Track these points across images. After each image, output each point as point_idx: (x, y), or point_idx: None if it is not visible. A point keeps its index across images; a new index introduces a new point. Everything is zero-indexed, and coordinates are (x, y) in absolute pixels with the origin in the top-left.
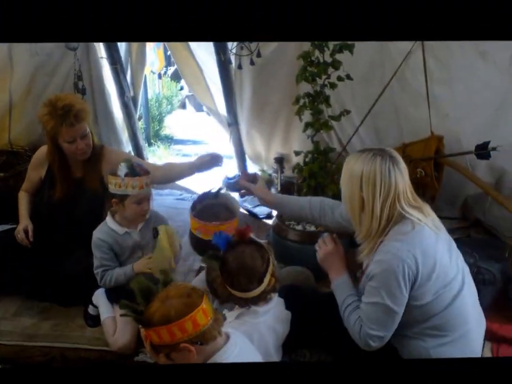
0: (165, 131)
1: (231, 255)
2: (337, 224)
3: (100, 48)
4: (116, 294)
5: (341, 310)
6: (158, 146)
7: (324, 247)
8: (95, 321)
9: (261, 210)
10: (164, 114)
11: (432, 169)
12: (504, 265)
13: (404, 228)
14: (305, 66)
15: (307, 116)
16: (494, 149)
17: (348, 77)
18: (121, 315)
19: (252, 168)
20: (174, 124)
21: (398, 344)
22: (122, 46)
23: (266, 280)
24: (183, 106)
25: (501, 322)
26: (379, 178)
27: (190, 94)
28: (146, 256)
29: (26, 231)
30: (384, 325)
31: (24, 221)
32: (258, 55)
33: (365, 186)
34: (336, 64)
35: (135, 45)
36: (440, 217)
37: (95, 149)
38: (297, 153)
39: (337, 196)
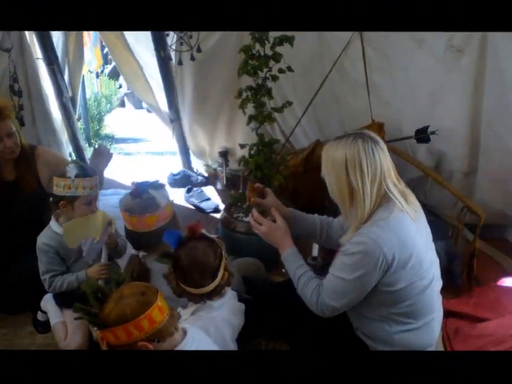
0: (105, 130)
1: (183, 252)
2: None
3: (36, 49)
4: (65, 299)
5: (294, 280)
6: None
7: (261, 228)
8: (45, 327)
9: (208, 205)
10: (103, 114)
11: None
12: (448, 244)
13: (386, 213)
14: (247, 59)
15: (250, 109)
16: (433, 133)
17: (289, 69)
18: (75, 318)
19: (196, 163)
20: (113, 122)
21: (361, 324)
22: (59, 46)
23: (220, 274)
24: (122, 104)
25: (447, 297)
26: (364, 160)
27: (129, 91)
28: (99, 263)
29: None
30: (343, 298)
31: None
32: (199, 50)
33: (351, 171)
34: (276, 57)
35: (72, 44)
36: None
37: (25, 149)
38: (242, 146)
39: (283, 186)
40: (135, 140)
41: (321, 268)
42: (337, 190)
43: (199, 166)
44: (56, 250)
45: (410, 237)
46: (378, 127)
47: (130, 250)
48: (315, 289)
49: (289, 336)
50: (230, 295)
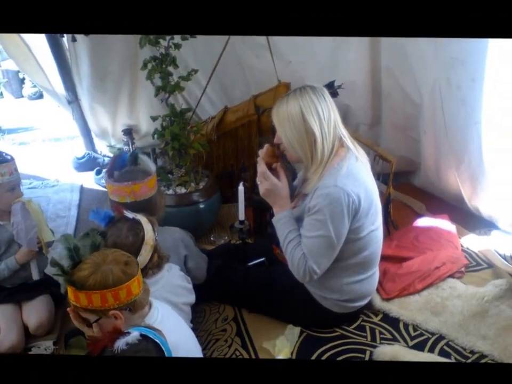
0: None
1: (109, 231)
2: None
3: None
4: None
5: (283, 244)
6: None
7: (265, 183)
8: None
9: None
10: None
11: None
12: None
13: (343, 162)
14: None
15: (156, 80)
16: (339, 86)
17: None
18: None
19: (100, 144)
20: None
21: None
22: None
23: (141, 257)
24: None
25: None
26: (319, 105)
27: (5, 80)
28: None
29: None
30: (326, 256)
31: None
32: None
33: (309, 117)
34: None
35: None
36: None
37: None
38: (154, 119)
39: (197, 155)
40: (26, 129)
41: (247, 231)
42: (298, 141)
43: (102, 147)
44: None
45: (370, 185)
46: (286, 87)
47: None
48: (302, 255)
49: (232, 300)
50: (166, 274)
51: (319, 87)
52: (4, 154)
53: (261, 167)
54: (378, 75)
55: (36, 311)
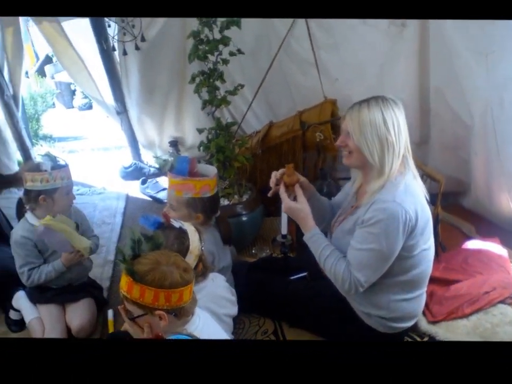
0: (43, 130)
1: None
2: None
3: None
4: (39, 294)
5: (320, 261)
6: (41, 146)
7: (282, 205)
8: (18, 325)
9: (165, 195)
10: (40, 113)
11: (330, 132)
12: None
13: (400, 178)
14: (196, 44)
15: (203, 94)
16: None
17: (239, 51)
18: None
19: (146, 155)
20: (49, 122)
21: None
22: None
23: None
24: (52, 105)
25: None
26: (400, 117)
27: (57, 92)
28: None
29: None
30: (375, 270)
31: None
32: (143, 39)
33: (390, 127)
34: (225, 40)
35: (9, 40)
36: (339, 178)
37: None
38: (200, 131)
39: (241, 169)
40: (75, 138)
41: (290, 245)
42: (374, 148)
43: (148, 157)
44: (34, 243)
45: (425, 202)
46: (331, 104)
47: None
48: (346, 267)
49: (272, 314)
50: (210, 283)
51: (397, 100)
52: (60, 159)
53: (280, 189)
54: (426, 94)
55: (79, 314)
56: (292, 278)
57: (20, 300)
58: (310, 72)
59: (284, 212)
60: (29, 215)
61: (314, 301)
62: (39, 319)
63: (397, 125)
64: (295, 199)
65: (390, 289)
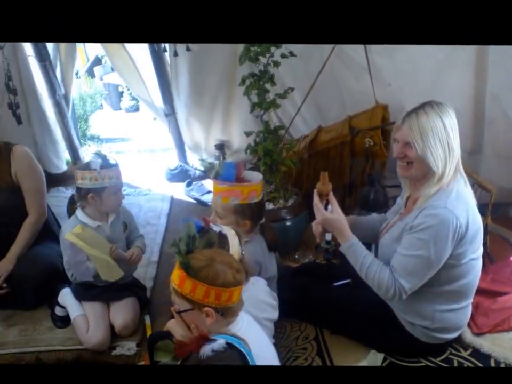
0: (91, 131)
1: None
2: None
3: (28, 46)
4: (84, 292)
5: (362, 271)
6: (89, 146)
7: (316, 215)
8: (64, 321)
9: (209, 198)
10: (89, 114)
11: (380, 138)
12: None
13: (452, 185)
14: (248, 46)
15: (252, 97)
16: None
17: (291, 53)
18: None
19: (192, 157)
20: (96, 123)
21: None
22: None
23: None
24: (99, 106)
25: None
26: (456, 123)
27: (106, 93)
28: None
29: None
30: (420, 277)
31: None
32: None
33: (450, 132)
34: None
35: None
36: (386, 186)
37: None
38: (248, 134)
39: (287, 173)
40: (122, 139)
41: (333, 251)
42: (437, 154)
43: (194, 160)
44: None
45: (476, 210)
46: (383, 109)
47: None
48: (389, 274)
49: (314, 320)
50: (251, 287)
51: (450, 105)
52: (110, 158)
53: (314, 198)
54: (482, 101)
55: (122, 312)
56: (335, 284)
57: (66, 296)
58: (363, 76)
59: (318, 223)
60: (79, 213)
61: (357, 308)
62: (84, 316)
63: (455, 128)
64: (326, 206)
65: (436, 299)
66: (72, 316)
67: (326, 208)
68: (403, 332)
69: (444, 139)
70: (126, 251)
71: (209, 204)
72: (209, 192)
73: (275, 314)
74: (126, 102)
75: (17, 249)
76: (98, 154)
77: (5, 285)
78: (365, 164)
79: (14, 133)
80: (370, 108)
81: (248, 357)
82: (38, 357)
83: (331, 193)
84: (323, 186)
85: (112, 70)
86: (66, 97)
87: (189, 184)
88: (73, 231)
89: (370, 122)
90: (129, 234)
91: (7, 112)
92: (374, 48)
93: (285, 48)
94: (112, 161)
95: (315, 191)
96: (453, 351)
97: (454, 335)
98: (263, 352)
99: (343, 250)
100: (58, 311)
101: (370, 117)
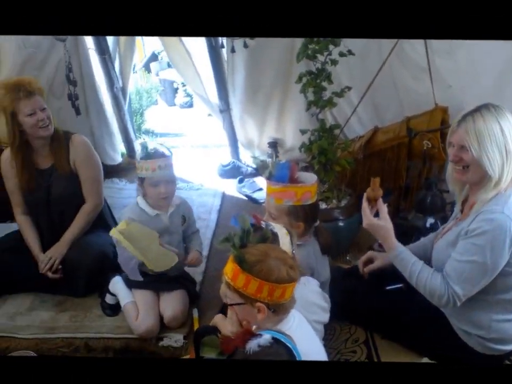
0: (146, 125)
1: None
2: None
3: (89, 39)
4: (135, 280)
5: (412, 278)
6: (144, 139)
7: (363, 220)
8: (113, 310)
9: (261, 195)
10: (144, 108)
11: (439, 141)
12: None
13: (509, 190)
14: (306, 43)
15: (308, 95)
16: None
17: (350, 52)
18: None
19: (244, 154)
20: (150, 118)
21: (458, 307)
22: (110, 36)
23: None
24: (154, 102)
25: None
26: None
27: (161, 89)
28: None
29: (50, 266)
30: (475, 284)
31: (41, 258)
32: (252, 37)
33: (508, 137)
34: (336, 41)
35: None
36: (444, 190)
37: (59, 133)
38: (303, 132)
39: (341, 173)
40: (176, 135)
41: None
42: (495, 159)
43: (246, 157)
44: None
45: None
46: (442, 111)
47: None
48: (442, 280)
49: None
50: (301, 287)
51: (508, 109)
52: (155, 151)
53: (363, 203)
54: None
55: (173, 304)
56: (388, 288)
57: (116, 284)
58: (422, 77)
59: (364, 226)
60: (140, 200)
61: (410, 314)
62: (134, 304)
63: None
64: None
65: (492, 307)
66: (122, 303)
67: (376, 214)
68: (457, 341)
69: (501, 143)
70: (181, 244)
71: (261, 201)
72: (260, 189)
73: (325, 317)
74: (180, 98)
75: (72, 234)
76: (143, 145)
77: (60, 267)
78: (422, 166)
79: (72, 123)
80: (429, 110)
81: (295, 352)
82: (87, 343)
83: (380, 199)
84: (372, 192)
85: (168, 66)
86: (123, 90)
87: (241, 181)
88: (118, 227)
89: (429, 124)
90: (186, 228)
91: (66, 103)
92: (435, 48)
93: (344, 46)
94: (154, 154)
95: (364, 195)
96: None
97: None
98: (312, 353)
99: (391, 259)
100: (108, 299)
101: (429, 119)
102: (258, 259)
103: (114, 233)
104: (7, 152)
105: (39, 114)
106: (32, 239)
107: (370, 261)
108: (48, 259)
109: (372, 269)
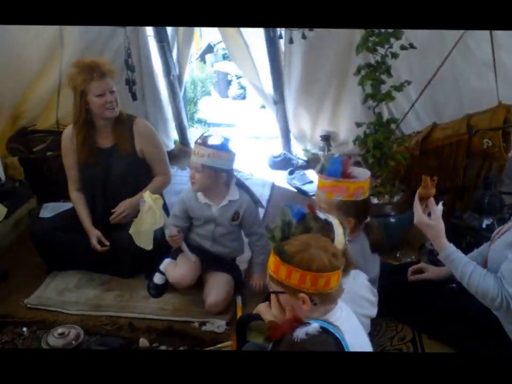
0: (199, 115)
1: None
2: None
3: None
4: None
5: (463, 279)
6: (196, 128)
7: (415, 217)
8: (159, 290)
9: (311, 188)
10: (198, 97)
11: (501, 140)
12: None
13: None
14: (367, 36)
15: (366, 88)
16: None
17: (411, 45)
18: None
19: (296, 147)
20: (204, 108)
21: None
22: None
23: None
24: (208, 92)
25: None
26: None
27: (215, 80)
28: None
29: (100, 242)
30: None
31: (92, 232)
32: (311, 29)
33: None
34: (398, 34)
35: None
36: (503, 192)
37: (123, 116)
38: (359, 125)
39: (395, 169)
40: (228, 125)
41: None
42: None
43: (297, 149)
44: (186, 209)
45: None
46: (506, 110)
47: None
48: (495, 282)
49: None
50: (351, 281)
51: None
52: (201, 139)
53: (415, 201)
54: None
55: (216, 290)
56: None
57: (167, 263)
58: (486, 74)
59: (415, 223)
60: None
61: (461, 316)
62: (173, 262)
63: None
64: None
65: None
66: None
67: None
68: (510, 345)
69: None
70: (228, 237)
71: (310, 194)
72: (311, 182)
73: (373, 311)
74: (233, 90)
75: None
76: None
77: (107, 243)
78: (481, 165)
79: (128, 109)
80: (491, 108)
81: (343, 343)
82: (131, 323)
83: (431, 198)
84: (423, 190)
85: (223, 58)
86: (179, 78)
87: (291, 173)
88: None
89: (490, 123)
90: (245, 228)
91: (123, 88)
92: (502, 44)
93: (405, 39)
94: (198, 141)
95: (417, 192)
96: None
97: None
98: (360, 347)
99: (441, 259)
100: (157, 279)
101: (491, 117)
102: (298, 249)
103: (148, 194)
104: (68, 130)
105: (108, 96)
106: (85, 214)
107: (420, 271)
108: (121, 210)
109: (420, 279)
